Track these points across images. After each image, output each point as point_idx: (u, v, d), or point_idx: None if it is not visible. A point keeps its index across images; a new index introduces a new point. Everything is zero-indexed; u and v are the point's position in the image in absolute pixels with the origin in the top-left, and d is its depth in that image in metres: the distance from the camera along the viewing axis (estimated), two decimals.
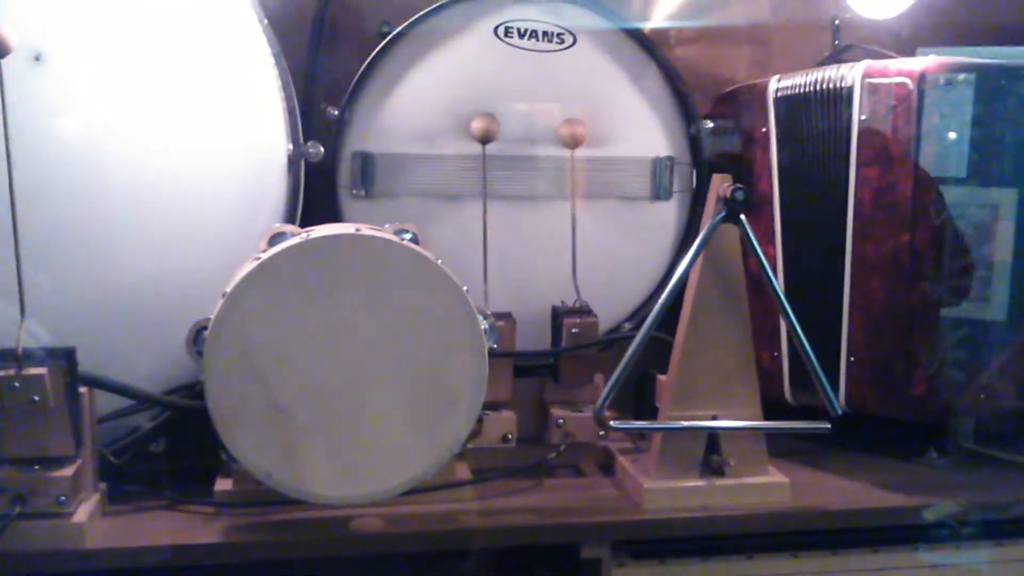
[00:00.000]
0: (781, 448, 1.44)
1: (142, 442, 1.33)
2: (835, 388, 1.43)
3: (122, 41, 1.26)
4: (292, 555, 1.19)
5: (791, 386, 1.53)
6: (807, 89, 1.48)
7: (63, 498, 1.11)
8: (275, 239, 1.18)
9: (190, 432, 1.29)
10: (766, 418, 1.32)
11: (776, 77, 1.54)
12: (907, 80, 1.36)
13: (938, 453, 1.50)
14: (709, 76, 1.75)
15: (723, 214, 1.27)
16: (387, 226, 1.24)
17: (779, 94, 1.52)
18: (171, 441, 1.36)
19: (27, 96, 1.19)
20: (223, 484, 1.26)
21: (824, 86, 1.46)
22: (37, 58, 1.21)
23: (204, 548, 1.16)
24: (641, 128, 1.57)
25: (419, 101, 1.48)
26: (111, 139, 1.25)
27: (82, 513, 1.14)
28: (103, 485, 1.24)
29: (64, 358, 1.14)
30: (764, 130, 1.54)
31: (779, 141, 1.53)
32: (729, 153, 1.62)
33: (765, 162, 1.54)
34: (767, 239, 1.54)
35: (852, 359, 1.44)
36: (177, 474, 1.32)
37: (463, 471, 1.35)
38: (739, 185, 1.25)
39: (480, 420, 1.31)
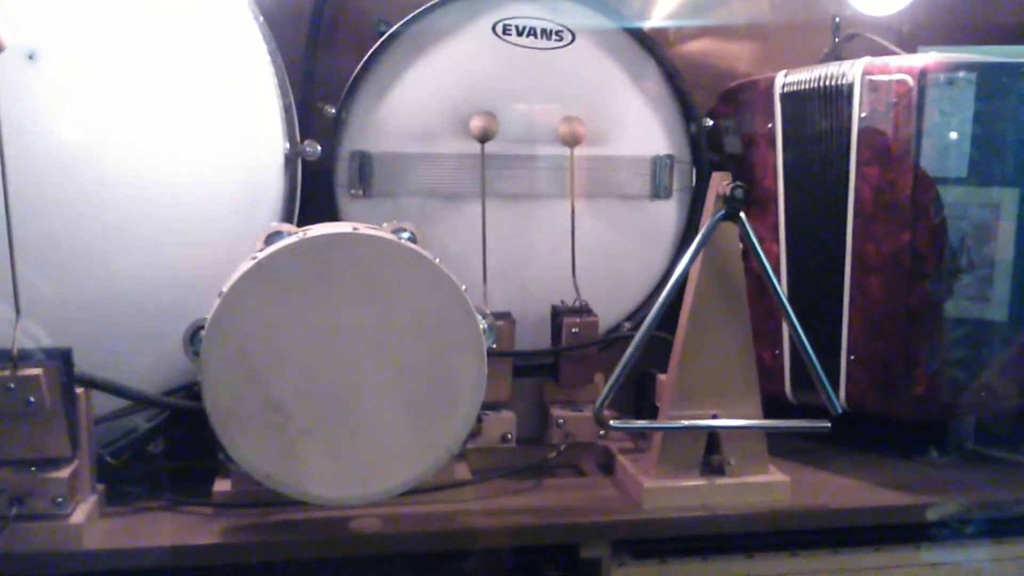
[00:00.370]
0: (782, 447, 1.44)
1: (140, 443, 1.32)
2: (836, 387, 1.43)
3: (117, 40, 1.26)
4: (292, 556, 1.18)
5: (792, 385, 1.52)
6: (812, 85, 1.47)
7: (60, 499, 1.11)
8: (272, 238, 1.17)
9: (188, 433, 1.29)
10: (767, 417, 1.32)
11: (783, 72, 1.53)
12: (907, 77, 1.36)
13: (939, 452, 1.50)
14: (709, 74, 1.74)
15: (723, 212, 1.26)
16: (385, 225, 1.23)
17: (786, 89, 1.51)
18: (169, 442, 1.36)
19: (21, 95, 1.18)
20: (222, 485, 1.25)
21: (826, 82, 1.45)
22: (31, 57, 1.20)
23: (203, 549, 1.15)
24: (641, 126, 1.56)
25: (417, 99, 1.47)
26: (106, 139, 1.25)
27: (80, 514, 1.14)
28: (101, 486, 1.23)
29: (60, 359, 1.13)
30: (770, 126, 1.53)
31: (785, 137, 1.52)
32: (732, 151, 1.62)
33: (771, 159, 1.53)
34: (772, 237, 1.53)
35: (852, 358, 1.43)
36: (175, 475, 1.31)
37: (463, 471, 1.34)
38: (739, 183, 1.25)
39: (480, 420, 1.30)
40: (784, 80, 1.52)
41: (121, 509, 1.24)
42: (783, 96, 1.52)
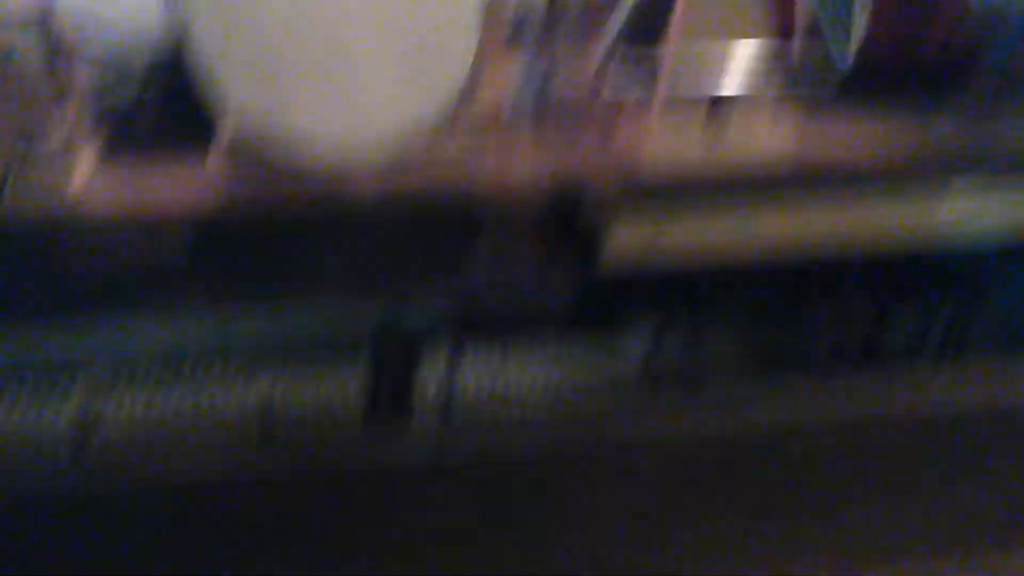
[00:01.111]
0: (787, 100, 1.39)
1: (136, 88, 1.29)
2: (849, 34, 1.35)
3: None
4: (287, 214, 1.20)
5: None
6: None
7: (58, 152, 1.11)
8: None
9: (184, 96, 1.25)
10: (780, 55, 1.26)
11: None
12: None
13: (951, 106, 1.45)
14: None
15: None
16: None
17: None
18: (164, 103, 1.33)
19: None
20: (217, 150, 1.24)
21: None
22: None
23: (197, 206, 1.17)
24: None
25: None
26: None
27: (77, 174, 1.15)
28: (97, 144, 1.22)
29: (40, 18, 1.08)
30: None
31: None
32: None
33: None
34: None
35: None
36: (172, 135, 1.30)
37: (458, 142, 1.32)
38: None
39: (473, 83, 1.26)
40: None
41: (118, 167, 1.23)
42: None
